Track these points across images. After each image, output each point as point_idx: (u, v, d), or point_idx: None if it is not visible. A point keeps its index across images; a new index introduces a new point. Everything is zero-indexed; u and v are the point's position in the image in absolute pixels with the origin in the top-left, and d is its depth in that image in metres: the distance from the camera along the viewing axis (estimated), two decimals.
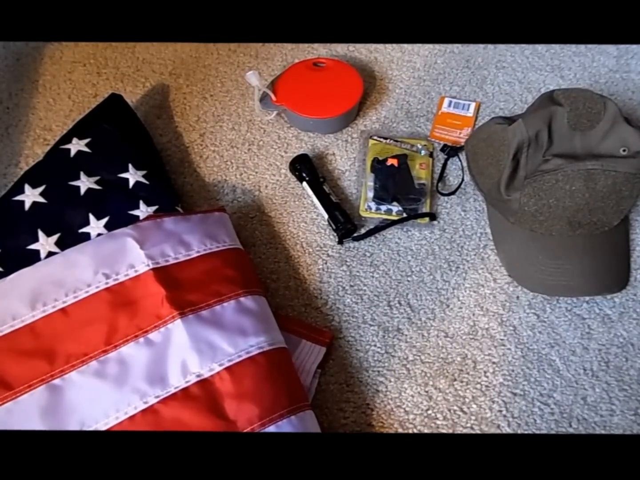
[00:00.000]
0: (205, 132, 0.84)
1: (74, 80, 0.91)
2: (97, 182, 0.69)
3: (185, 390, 0.51)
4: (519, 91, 0.88)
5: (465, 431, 0.60)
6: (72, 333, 0.53)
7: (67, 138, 0.73)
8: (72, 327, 0.53)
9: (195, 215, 0.64)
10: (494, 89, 0.88)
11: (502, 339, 0.65)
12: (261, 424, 0.50)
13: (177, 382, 0.51)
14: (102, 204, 0.67)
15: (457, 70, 0.91)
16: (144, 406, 0.50)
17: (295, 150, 0.82)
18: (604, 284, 0.67)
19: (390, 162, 0.76)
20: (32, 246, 0.63)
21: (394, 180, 0.75)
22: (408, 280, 0.70)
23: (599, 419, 0.60)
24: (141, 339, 0.53)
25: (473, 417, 0.61)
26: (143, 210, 0.67)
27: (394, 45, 0.94)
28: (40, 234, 0.64)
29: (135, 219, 0.66)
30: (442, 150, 0.81)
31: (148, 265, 0.57)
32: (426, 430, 0.60)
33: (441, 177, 0.78)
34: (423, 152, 0.80)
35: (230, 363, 0.53)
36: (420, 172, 0.78)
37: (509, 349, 0.65)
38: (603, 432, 0.59)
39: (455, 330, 0.66)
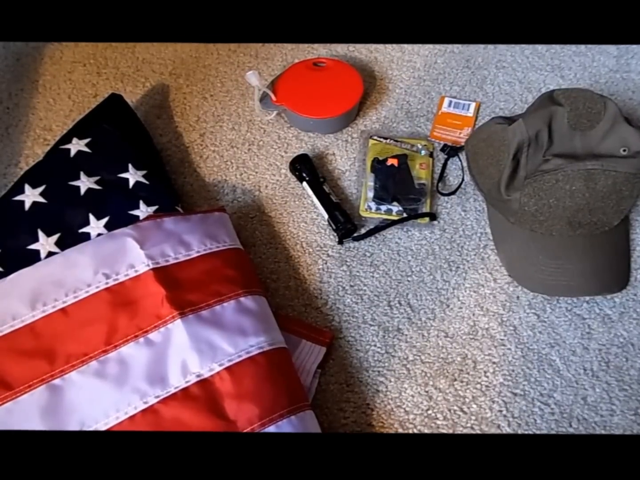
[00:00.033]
0: (205, 132, 0.84)
1: (74, 80, 0.91)
2: (97, 182, 0.69)
3: (185, 390, 0.51)
4: (519, 91, 0.88)
5: (465, 431, 0.60)
6: (72, 333, 0.53)
7: (67, 138, 0.73)
8: (72, 327, 0.53)
9: (195, 215, 0.64)
10: (494, 89, 0.88)
11: (502, 339, 0.65)
12: (261, 424, 0.50)
13: (177, 382, 0.51)
14: (102, 204, 0.67)
15: (457, 70, 0.91)
16: (144, 406, 0.50)
17: (295, 150, 0.82)
18: (604, 284, 0.67)
19: (390, 162, 0.76)
20: (32, 246, 0.63)
21: (394, 180, 0.75)
22: (408, 280, 0.70)
23: (599, 419, 0.60)
24: (141, 339, 0.53)
25: (473, 417, 0.61)
26: (143, 210, 0.67)
27: (394, 45, 0.94)
28: (40, 234, 0.64)
29: (135, 219, 0.66)
30: (442, 150, 0.81)
31: (148, 265, 0.57)
32: (426, 430, 0.60)
33: (441, 177, 0.78)
34: (423, 152, 0.80)
35: (230, 363, 0.53)
36: (421, 172, 0.78)
37: (509, 349, 0.65)
38: (603, 432, 0.59)
39: (456, 330, 0.66)
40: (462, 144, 0.81)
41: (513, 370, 0.63)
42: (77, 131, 0.74)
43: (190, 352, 0.53)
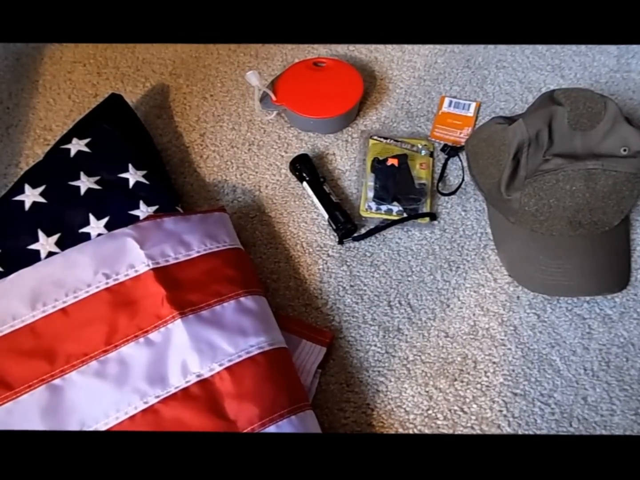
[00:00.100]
0: (205, 132, 0.84)
1: (74, 80, 0.91)
2: (97, 182, 0.69)
3: (185, 390, 0.51)
4: (519, 91, 0.87)
5: (465, 431, 0.60)
6: (72, 333, 0.53)
7: (67, 138, 0.73)
8: (72, 327, 0.53)
9: (195, 215, 0.64)
10: (495, 89, 0.88)
11: (502, 339, 0.65)
12: (261, 424, 0.50)
13: (177, 382, 0.51)
14: (102, 204, 0.67)
15: (457, 70, 0.91)
16: (144, 406, 0.50)
17: (296, 150, 0.82)
18: (604, 284, 0.67)
19: (390, 162, 0.76)
20: (32, 246, 0.63)
21: (394, 180, 0.75)
22: (408, 280, 0.70)
23: (599, 419, 0.60)
24: (141, 339, 0.53)
25: (473, 417, 0.61)
26: (143, 210, 0.67)
27: (394, 45, 0.94)
28: (40, 234, 0.64)
29: (135, 219, 0.66)
30: (443, 150, 0.81)
31: (148, 265, 0.57)
32: (427, 430, 0.60)
33: (441, 177, 0.78)
34: (423, 152, 0.80)
35: (231, 363, 0.53)
36: (421, 172, 0.78)
37: (510, 348, 0.65)
38: (603, 432, 0.59)
39: (456, 330, 0.66)
40: (463, 143, 0.81)
41: (513, 370, 0.63)
42: (77, 131, 0.74)
43: (191, 352, 0.53)
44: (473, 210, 0.75)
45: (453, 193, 0.77)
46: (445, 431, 0.60)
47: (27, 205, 0.66)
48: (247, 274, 0.62)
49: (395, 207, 0.74)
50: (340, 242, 0.73)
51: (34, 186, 0.67)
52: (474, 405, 0.61)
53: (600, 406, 0.61)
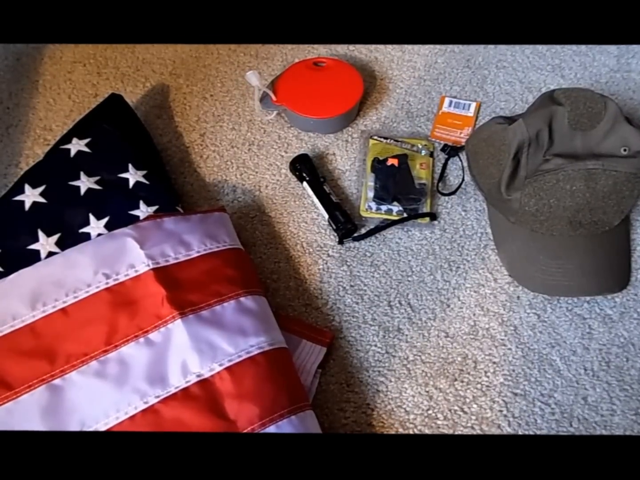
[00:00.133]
0: (205, 132, 0.84)
1: (74, 80, 0.91)
2: (97, 182, 0.69)
3: (185, 390, 0.51)
4: (519, 91, 0.87)
5: (465, 431, 0.60)
6: (72, 333, 0.53)
7: (67, 138, 0.73)
8: (72, 327, 0.53)
9: (195, 215, 0.64)
10: (495, 89, 0.88)
11: (502, 339, 0.65)
12: (261, 424, 0.50)
13: (177, 382, 0.51)
14: (102, 204, 0.67)
15: (457, 70, 0.91)
16: (144, 406, 0.50)
17: (296, 150, 0.82)
18: (604, 284, 0.67)
19: (390, 162, 0.76)
20: (32, 246, 0.63)
21: (395, 180, 0.75)
22: (408, 280, 0.70)
23: (599, 419, 0.60)
24: (141, 339, 0.53)
25: (474, 417, 0.60)
26: (143, 210, 0.67)
27: (394, 45, 0.94)
28: (40, 234, 0.64)
29: (135, 219, 0.66)
30: (443, 150, 0.81)
31: (148, 265, 0.57)
32: (427, 431, 0.60)
33: (442, 177, 0.78)
34: (423, 152, 0.80)
35: (231, 363, 0.53)
36: (421, 172, 0.77)
37: (510, 348, 0.65)
38: (604, 432, 0.59)
39: (456, 330, 0.66)
40: (463, 143, 0.81)
41: (513, 370, 0.63)
42: (77, 131, 0.74)
43: (191, 352, 0.53)
44: (473, 210, 0.75)
45: (453, 193, 0.77)
46: (445, 431, 0.60)
47: (27, 205, 0.66)
48: (247, 274, 0.62)
49: (395, 207, 0.74)
50: (341, 242, 0.73)
51: (34, 186, 0.67)
52: (474, 405, 0.61)
53: (601, 406, 0.61)
